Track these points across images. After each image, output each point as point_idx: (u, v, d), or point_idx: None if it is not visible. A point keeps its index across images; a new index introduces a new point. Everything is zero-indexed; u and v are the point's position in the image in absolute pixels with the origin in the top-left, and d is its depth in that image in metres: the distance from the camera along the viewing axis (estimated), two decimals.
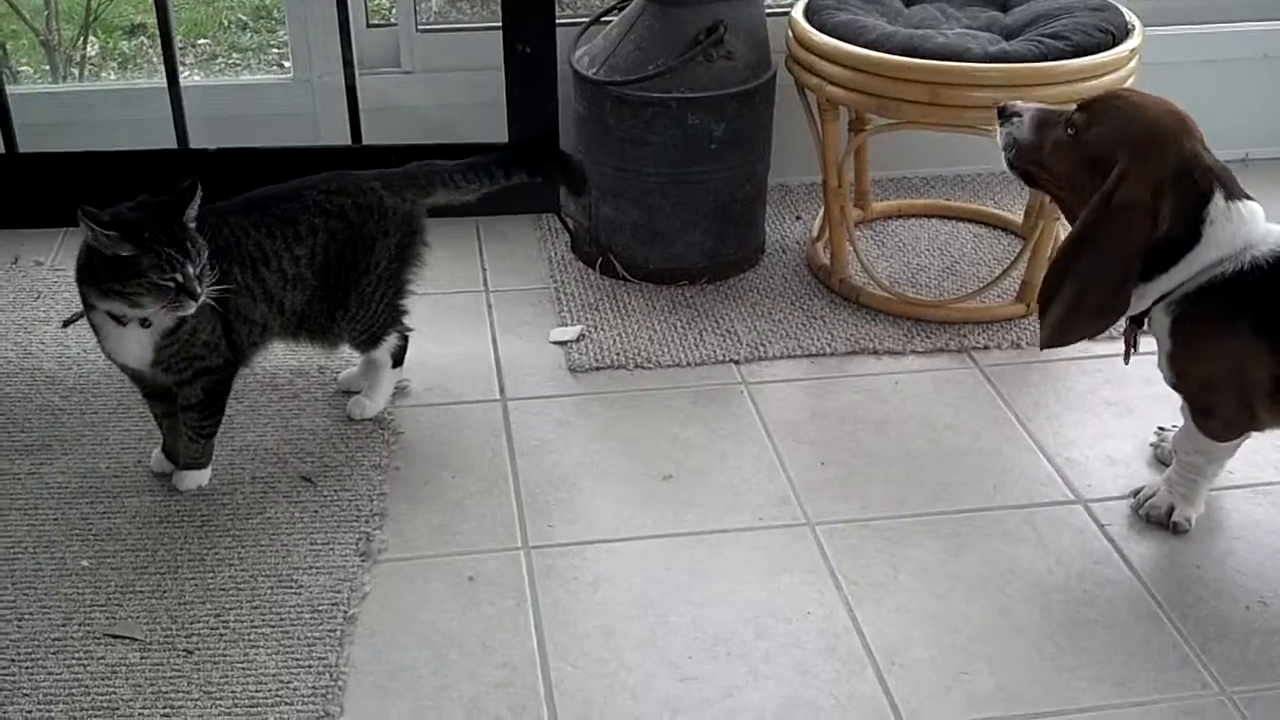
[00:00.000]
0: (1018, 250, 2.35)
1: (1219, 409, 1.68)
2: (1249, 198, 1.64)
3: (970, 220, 2.63)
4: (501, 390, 2.11)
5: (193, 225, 1.67)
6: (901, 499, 1.87)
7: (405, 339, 2.02)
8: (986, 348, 2.22)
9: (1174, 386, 1.72)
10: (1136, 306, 1.67)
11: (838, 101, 2.22)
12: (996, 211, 2.63)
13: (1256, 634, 1.63)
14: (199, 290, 1.64)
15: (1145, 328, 1.72)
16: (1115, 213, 1.61)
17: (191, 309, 1.65)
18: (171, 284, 1.62)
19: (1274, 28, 2.88)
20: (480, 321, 2.30)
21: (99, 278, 1.64)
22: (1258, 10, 2.91)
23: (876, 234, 2.59)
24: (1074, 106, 1.74)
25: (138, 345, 1.71)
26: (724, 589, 1.71)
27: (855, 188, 2.59)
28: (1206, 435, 1.71)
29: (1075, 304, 1.65)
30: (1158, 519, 1.79)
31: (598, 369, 2.17)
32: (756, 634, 1.64)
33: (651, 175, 2.35)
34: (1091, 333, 1.71)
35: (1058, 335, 1.69)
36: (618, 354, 2.20)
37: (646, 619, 1.66)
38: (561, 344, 2.23)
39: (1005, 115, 1.78)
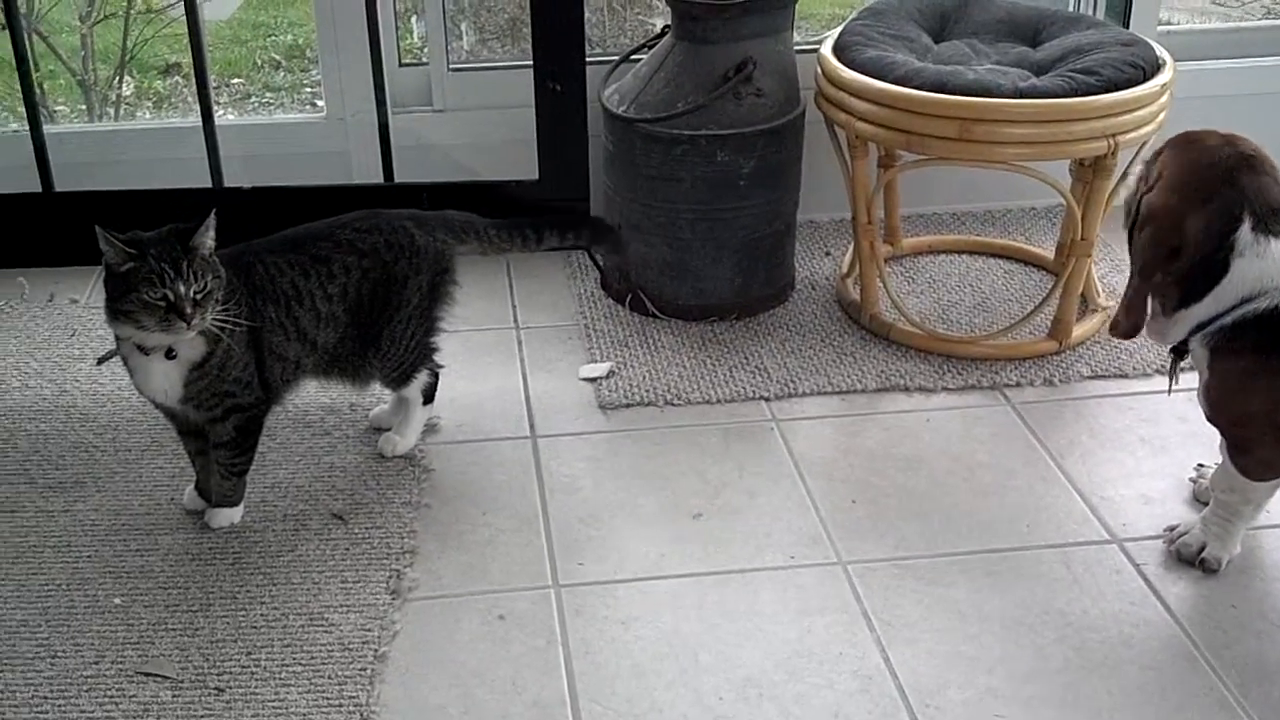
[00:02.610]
0: (1049, 286, 2.34)
1: (1255, 447, 1.66)
2: None
3: (1001, 256, 2.62)
4: (532, 427, 2.11)
5: (205, 253, 1.66)
6: (934, 538, 1.85)
7: (436, 376, 2.03)
8: (1019, 384, 2.20)
9: (1210, 420, 1.70)
10: (1174, 335, 1.67)
11: (867, 138, 2.22)
12: (1028, 247, 2.62)
13: None
14: (189, 311, 1.62)
15: (1187, 360, 1.71)
16: (1142, 216, 1.65)
17: (182, 331, 1.64)
18: (161, 302, 1.62)
19: None
20: (510, 358, 2.31)
21: (109, 298, 1.65)
22: None
23: (907, 270, 2.58)
24: None
25: (164, 379, 1.72)
26: (755, 629, 1.70)
27: (885, 223, 2.59)
28: (1242, 474, 1.69)
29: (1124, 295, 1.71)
30: (1188, 557, 1.77)
31: (627, 406, 2.17)
32: (788, 675, 1.62)
33: (681, 212, 2.35)
34: (1123, 328, 1.72)
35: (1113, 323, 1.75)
36: (647, 391, 2.20)
37: (677, 659, 1.65)
38: (591, 381, 2.23)
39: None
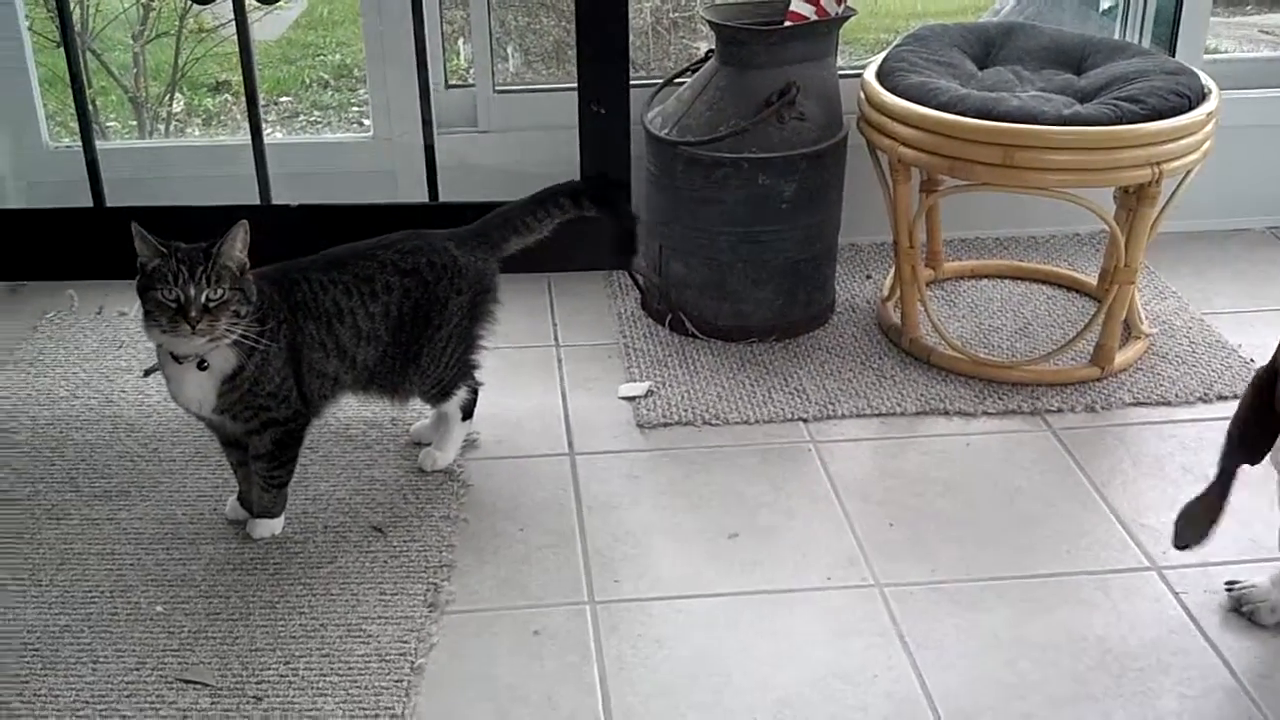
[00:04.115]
0: (1092, 313, 2.33)
1: None
2: None
3: (1043, 281, 2.61)
4: (570, 445, 2.13)
5: (229, 263, 1.67)
6: (972, 562, 1.84)
7: (475, 392, 2.05)
8: (1060, 410, 2.19)
9: None
10: None
11: (910, 163, 2.22)
12: (1070, 273, 2.61)
13: None
14: (193, 315, 1.63)
15: None
16: None
17: (187, 335, 1.64)
18: (173, 302, 1.64)
19: None
20: (550, 376, 2.33)
21: (140, 300, 1.67)
22: None
23: (948, 294, 2.58)
24: None
25: (198, 389, 1.74)
26: (790, 649, 1.69)
27: (927, 248, 2.59)
28: None
29: None
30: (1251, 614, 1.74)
31: (666, 425, 2.17)
32: (823, 697, 1.62)
33: (722, 234, 2.36)
34: None
35: None
36: (686, 410, 2.20)
37: (711, 678, 1.65)
38: (630, 399, 2.24)
39: None
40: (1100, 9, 3.21)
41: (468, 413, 2.05)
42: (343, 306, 1.83)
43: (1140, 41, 2.77)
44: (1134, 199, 2.19)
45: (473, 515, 1.95)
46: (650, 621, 1.75)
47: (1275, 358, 1.52)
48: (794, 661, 1.67)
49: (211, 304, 1.66)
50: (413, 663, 1.65)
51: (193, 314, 1.64)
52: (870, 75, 2.34)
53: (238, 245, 1.69)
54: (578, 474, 2.05)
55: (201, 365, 1.72)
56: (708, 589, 1.80)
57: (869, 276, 2.64)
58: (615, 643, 1.71)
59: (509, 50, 2.99)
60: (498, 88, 2.73)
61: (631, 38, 2.52)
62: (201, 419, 1.83)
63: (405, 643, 1.68)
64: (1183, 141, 2.12)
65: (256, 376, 1.75)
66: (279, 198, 2.58)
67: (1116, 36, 2.78)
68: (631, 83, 2.53)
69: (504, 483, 2.02)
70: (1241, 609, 1.74)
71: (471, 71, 2.76)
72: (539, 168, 2.64)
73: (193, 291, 1.64)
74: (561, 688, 1.63)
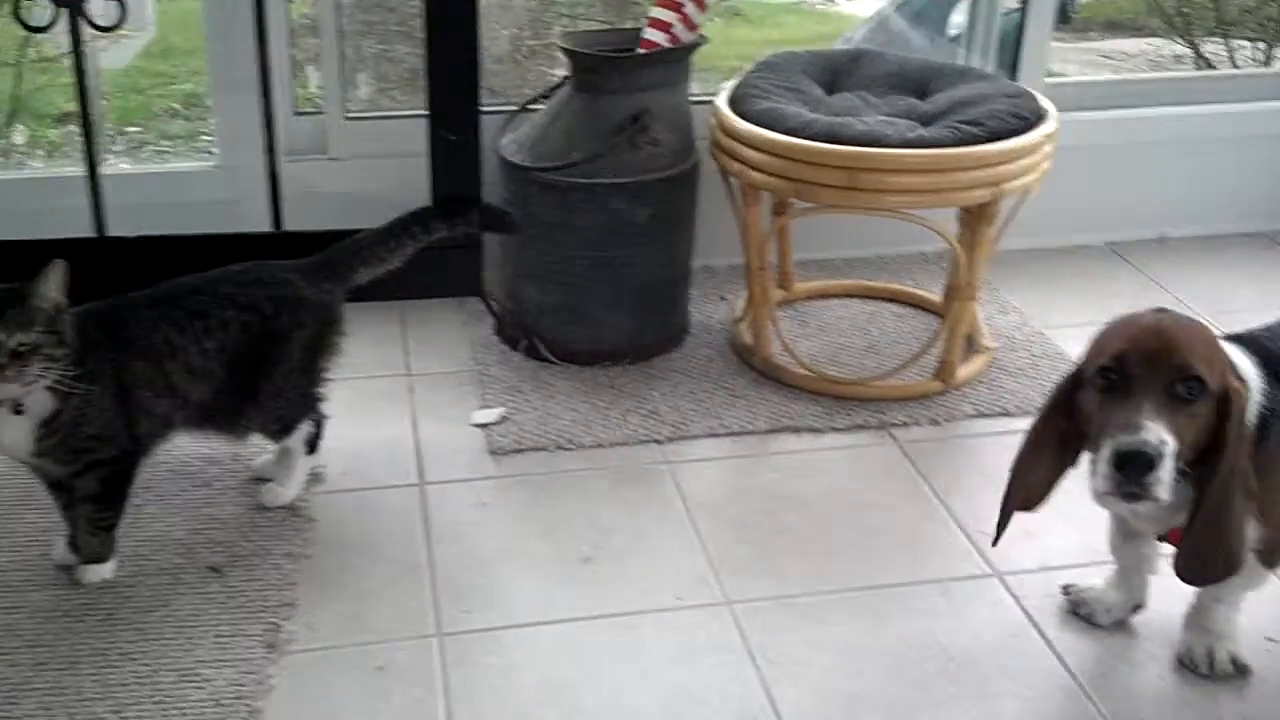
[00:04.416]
0: (935, 329, 2.38)
1: None
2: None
3: (891, 300, 2.67)
4: (421, 474, 2.09)
5: (42, 304, 1.61)
6: (819, 575, 1.86)
7: (320, 425, 2.00)
8: (905, 424, 2.23)
9: None
10: None
11: (759, 186, 2.25)
12: (916, 291, 2.67)
13: (1169, 703, 1.63)
14: (4, 363, 1.56)
15: None
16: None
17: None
18: None
19: (1188, 112, 2.97)
20: (401, 405, 2.29)
21: None
22: (1176, 94, 3.00)
23: (800, 314, 2.61)
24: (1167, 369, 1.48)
25: (14, 434, 1.66)
26: (640, 671, 1.69)
27: (779, 269, 2.62)
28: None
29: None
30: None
31: (519, 451, 2.15)
32: (672, 717, 1.61)
33: (576, 259, 2.36)
34: None
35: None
36: (539, 435, 2.19)
37: (560, 705, 1.63)
38: (483, 426, 2.22)
39: (1148, 464, 1.43)
40: (947, 35, 3.31)
41: (312, 446, 2.00)
42: (174, 343, 1.78)
43: (985, 66, 2.86)
44: (974, 218, 2.25)
45: (317, 551, 1.90)
46: (500, 650, 1.72)
47: (1080, 367, 1.57)
48: (644, 683, 1.66)
49: (23, 348, 1.58)
50: (250, 706, 1.60)
51: (1, 360, 1.57)
52: (722, 101, 2.36)
53: (52, 286, 1.63)
54: (428, 504, 2.02)
55: (18, 409, 1.65)
56: (558, 615, 1.79)
57: (723, 298, 2.67)
58: (462, 674, 1.68)
59: (359, 77, 2.96)
60: (348, 114, 2.70)
61: (488, 64, 2.52)
62: (22, 463, 1.75)
63: (242, 685, 1.63)
64: (1021, 162, 2.18)
65: (76, 419, 1.68)
66: (119, 230, 2.50)
67: (962, 62, 2.86)
68: (486, 108, 2.52)
69: (350, 516, 1.98)
70: (1079, 611, 1.78)
71: (322, 98, 2.72)
72: (389, 194, 2.61)
73: (2, 336, 1.57)
74: None
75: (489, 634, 1.75)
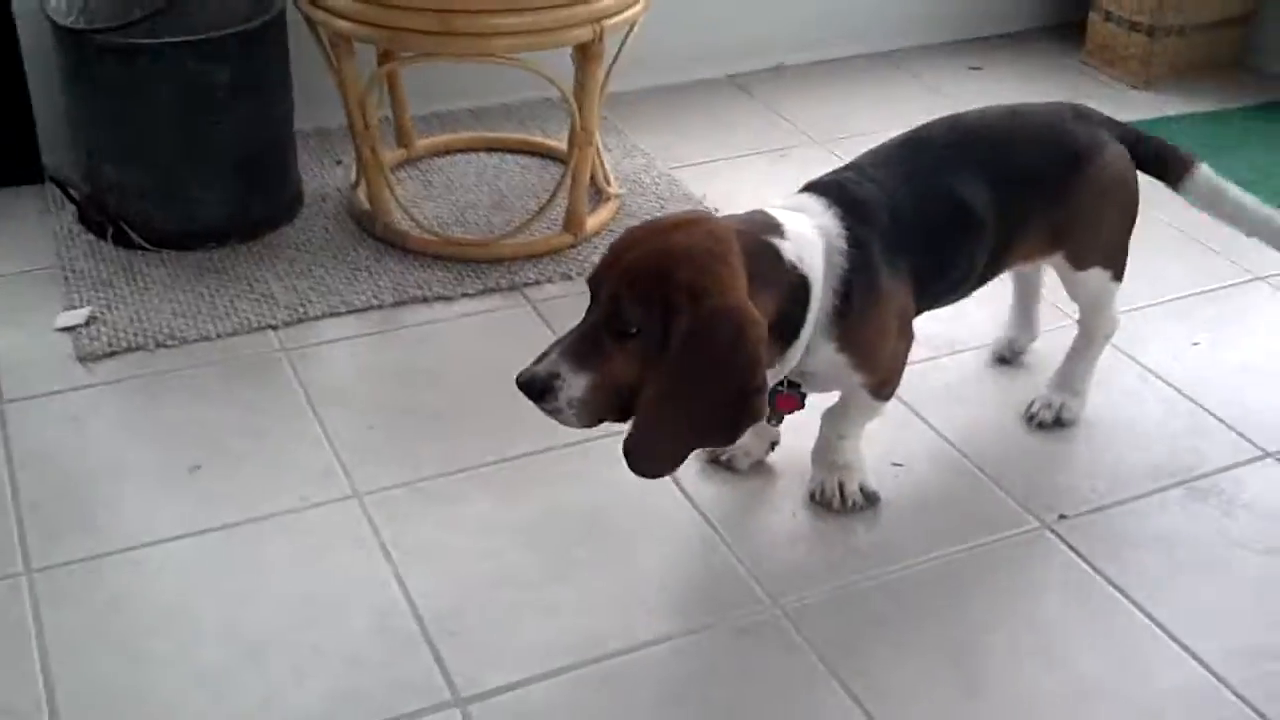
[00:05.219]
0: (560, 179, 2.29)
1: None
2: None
3: (518, 151, 2.56)
4: None
5: None
6: (454, 455, 1.77)
7: None
8: (538, 282, 2.15)
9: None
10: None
11: (348, 36, 2.06)
12: (543, 140, 2.57)
13: (804, 540, 1.67)
14: None
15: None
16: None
17: None
18: None
19: None
20: None
21: None
22: None
23: (423, 173, 2.46)
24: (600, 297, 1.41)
25: None
26: (264, 583, 1.56)
27: (396, 125, 2.45)
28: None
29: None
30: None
31: (112, 354, 1.93)
32: (302, 624, 1.50)
33: (156, 131, 2.11)
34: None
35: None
36: (136, 334, 1.96)
37: (176, 632, 1.48)
38: (69, 330, 1.97)
39: (540, 392, 1.41)
40: None
41: None
42: None
43: None
44: (582, 58, 2.15)
45: None
46: (101, 582, 1.54)
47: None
48: (269, 595, 1.54)
49: None
50: None
51: None
52: None
53: None
54: (6, 425, 1.78)
55: None
56: (167, 533, 1.62)
57: (339, 162, 2.47)
58: (60, 613, 1.49)
59: None
60: None
61: None
62: None
63: None
64: None
65: None
66: None
67: None
68: None
69: None
70: (720, 459, 1.78)
71: None
72: None
73: None
74: None
75: (87, 564, 1.56)
